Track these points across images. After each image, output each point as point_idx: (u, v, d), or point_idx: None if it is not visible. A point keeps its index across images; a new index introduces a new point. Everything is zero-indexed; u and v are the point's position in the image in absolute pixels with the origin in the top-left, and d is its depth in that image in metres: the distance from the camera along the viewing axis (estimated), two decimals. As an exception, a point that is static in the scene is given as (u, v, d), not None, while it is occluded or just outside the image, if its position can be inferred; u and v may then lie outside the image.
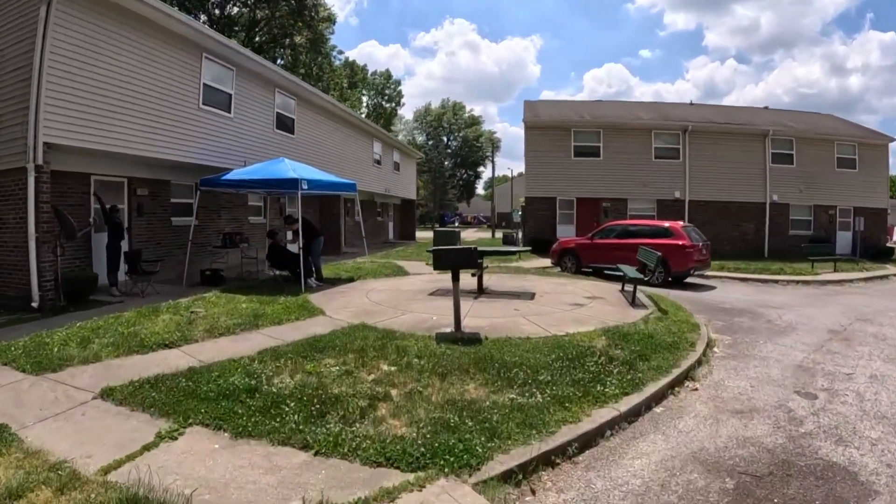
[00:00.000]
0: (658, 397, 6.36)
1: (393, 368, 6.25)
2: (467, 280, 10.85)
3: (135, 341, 7.34)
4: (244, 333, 7.96)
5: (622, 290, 12.52)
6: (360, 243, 17.34)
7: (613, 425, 5.45)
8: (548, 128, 26.93)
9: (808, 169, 26.95)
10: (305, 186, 11.33)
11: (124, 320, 8.57)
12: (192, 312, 8.99)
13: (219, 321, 8.47)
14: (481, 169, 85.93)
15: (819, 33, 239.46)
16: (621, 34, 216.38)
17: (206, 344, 7.43)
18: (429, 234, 41.87)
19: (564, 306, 10.36)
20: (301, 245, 11.80)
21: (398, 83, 75.15)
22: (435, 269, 7.88)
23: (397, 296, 11.19)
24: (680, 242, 16.16)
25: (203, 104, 13.54)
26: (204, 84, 13.55)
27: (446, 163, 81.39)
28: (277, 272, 12.58)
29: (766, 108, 34.98)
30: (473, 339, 7.43)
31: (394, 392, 5.57)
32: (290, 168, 11.92)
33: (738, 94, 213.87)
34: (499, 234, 44.63)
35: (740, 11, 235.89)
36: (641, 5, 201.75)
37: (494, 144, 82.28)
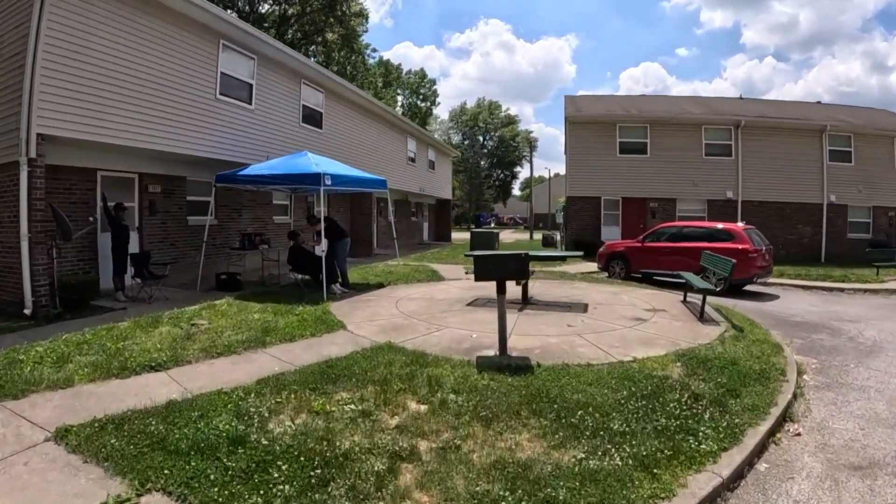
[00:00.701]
0: (759, 449, 4.88)
1: (423, 408, 4.89)
2: (511, 288, 9.45)
3: (117, 361, 6.16)
4: (248, 353, 6.70)
5: (684, 301, 10.96)
6: (393, 245, 16.09)
7: (715, 498, 4.01)
8: (591, 123, 25.28)
9: (866, 167, 24.67)
10: (329, 182, 10.09)
11: (116, 333, 7.44)
12: (192, 325, 7.80)
13: (221, 337, 7.25)
14: (518, 169, 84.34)
15: (859, 30, 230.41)
16: (657, 32, 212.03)
17: (200, 367, 6.19)
18: (465, 236, 40.47)
19: (624, 321, 8.87)
20: (324, 248, 10.55)
21: (433, 82, 74.09)
22: (477, 279, 6.46)
23: (431, 306, 9.86)
24: (741, 247, 14.41)
25: (220, 94, 12.44)
26: (221, 73, 12.44)
27: (482, 163, 79.93)
28: (299, 276, 11.38)
29: (818, 102, 32.59)
30: (523, 367, 6.03)
31: (423, 446, 4.20)
32: (312, 162, 10.70)
33: (776, 93, 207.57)
34: (537, 236, 43.00)
35: (778, 8, 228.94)
36: (677, 3, 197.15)
37: (531, 144, 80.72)
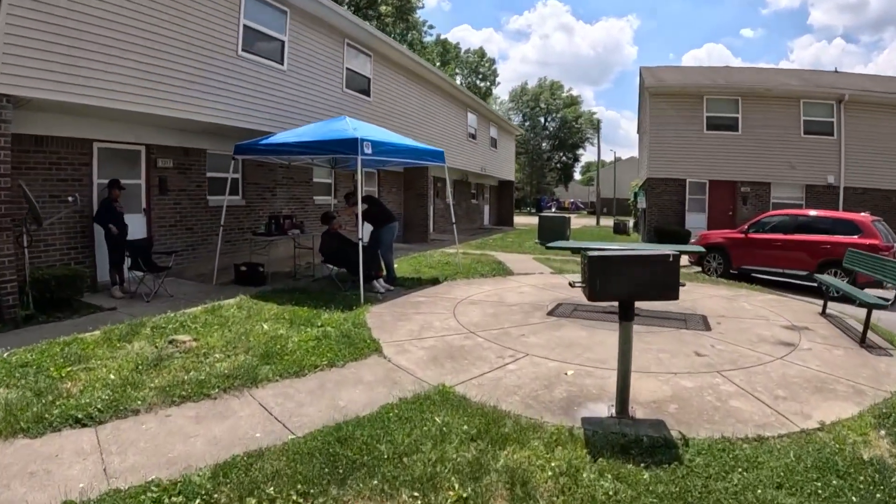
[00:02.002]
0: None
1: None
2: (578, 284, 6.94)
3: (39, 405, 4.04)
4: (227, 397, 4.41)
5: (824, 314, 8.13)
6: (451, 229, 13.66)
7: None
8: (676, 95, 22.00)
9: None
10: (370, 150, 7.72)
11: (71, 352, 5.36)
12: (170, 342, 5.60)
13: (202, 364, 5.02)
14: (580, 151, 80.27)
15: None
16: (721, 12, 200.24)
17: (148, 423, 3.94)
18: (527, 220, 37.74)
19: (766, 346, 6.19)
20: (362, 235, 8.21)
21: (492, 62, 70.91)
22: (595, 298, 3.80)
23: (500, 315, 7.40)
24: (869, 242, 11.28)
25: (243, 50, 10.20)
26: (244, 25, 10.20)
27: (543, 145, 76.42)
28: (334, 269, 9.11)
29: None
30: (660, 444, 3.55)
31: None
32: (350, 126, 8.35)
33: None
34: (605, 222, 39.77)
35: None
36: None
37: (595, 125, 76.56)
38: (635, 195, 18.74)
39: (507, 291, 9.13)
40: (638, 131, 30.90)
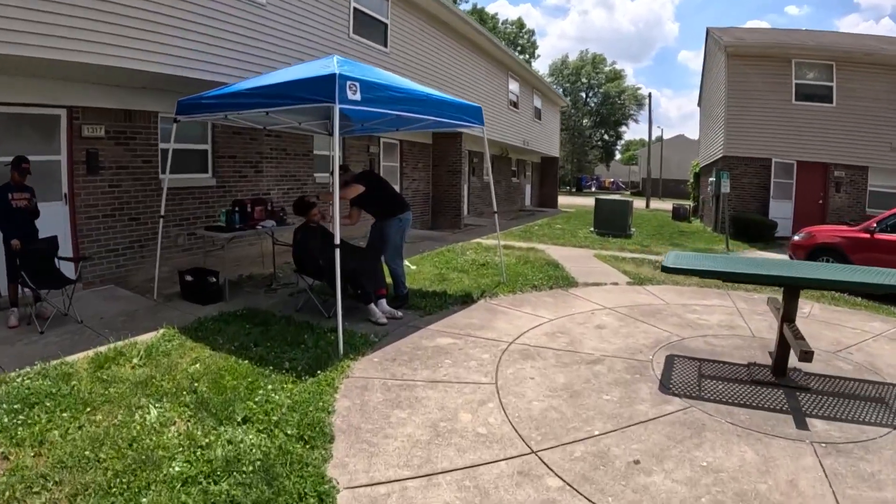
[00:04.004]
0: None
1: None
2: (722, 320, 3.75)
3: None
4: None
5: None
6: (487, 212, 10.40)
7: None
8: (759, 57, 18.05)
9: None
10: (357, 96, 4.45)
11: None
12: None
13: None
14: (623, 129, 75.45)
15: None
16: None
17: None
18: (570, 201, 33.96)
19: None
20: (339, 234, 5.02)
21: (532, 33, 66.48)
22: None
23: (577, 391, 4.19)
24: None
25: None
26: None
27: (584, 121, 71.81)
28: (312, 283, 5.99)
29: None
30: None
31: None
32: (334, 64, 5.05)
33: None
34: (657, 205, 35.77)
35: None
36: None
37: (639, 101, 71.55)
38: (719, 177, 15.16)
39: (579, 325, 5.86)
40: (699, 104, 26.81)
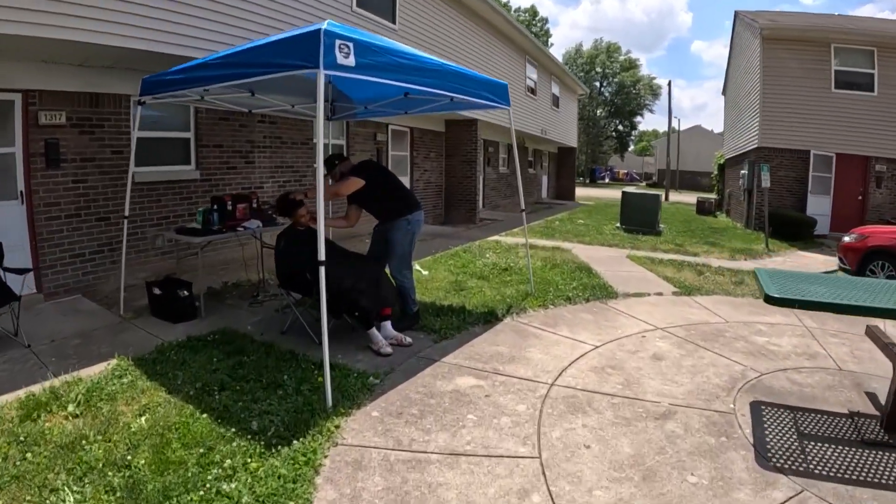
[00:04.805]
0: None
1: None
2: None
3: None
4: None
5: None
6: (504, 205, 9.21)
7: None
8: (796, 41, 16.54)
9: None
10: (349, 59, 3.24)
11: None
12: None
13: None
14: (638, 119, 73.59)
15: None
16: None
17: None
18: (586, 193, 32.56)
19: None
20: (323, 247, 3.87)
21: (545, 21, 64.72)
22: None
23: (650, 468, 3.04)
24: None
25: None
26: None
27: (599, 111, 69.99)
28: (298, 298, 4.87)
29: None
30: None
31: None
32: (317, 27, 3.79)
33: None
34: (675, 197, 34.28)
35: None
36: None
37: (654, 91, 69.85)
38: (751, 168, 13.91)
39: (631, 354, 4.67)
40: (723, 93, 25.28)
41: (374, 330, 4.43)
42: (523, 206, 6.49)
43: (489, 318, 5.37)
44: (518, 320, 5.43)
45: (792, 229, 14.27)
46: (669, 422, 3.47)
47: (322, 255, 3.28)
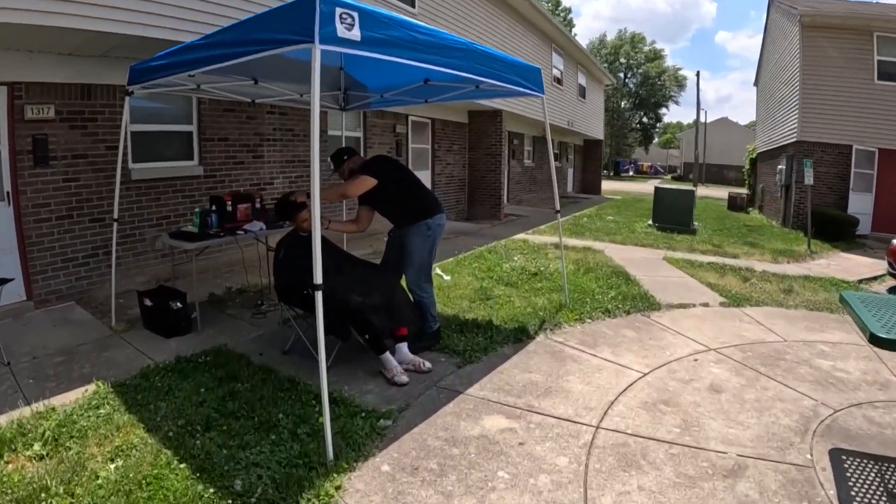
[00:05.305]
0: None
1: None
2: None
3: None
4: None
5: None
6: (528, 200, 8.51)
7: None
8: (838, 29, 15.46)
9: None
10: (354, 33, 2.61)
11: None
12: None
13: None
14: (663, 111, 71.92)
15: None
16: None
17: None
18: (611, 187, 31.48)
19: None
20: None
21: (568, 10, 63.36)
22: None
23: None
24: None
25: None
26: None
27: (623, 103, 68.45)
28: (298, 312, 4.26)
29: None
30: None
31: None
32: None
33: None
34: (702, 192, 33.05)
35: None
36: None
37: (680, 82, 68.28)
38: (790, 163, 13.02)
39: (684, 384, 3.97)
40: (755, 83, 24.10)
41: (387, 355, 3.79)
42: (558, 207, 5.78)
43: (520, 336, 4.71)
44: (552, 338, 4.76)
45: (833, 229, 13.32)
46: (741, 481, 2.79)
47: (318, 278, 2.64)
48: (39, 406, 3.42)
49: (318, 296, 2.67)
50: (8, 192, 5.31)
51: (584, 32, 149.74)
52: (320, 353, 2.77)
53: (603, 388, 3.80)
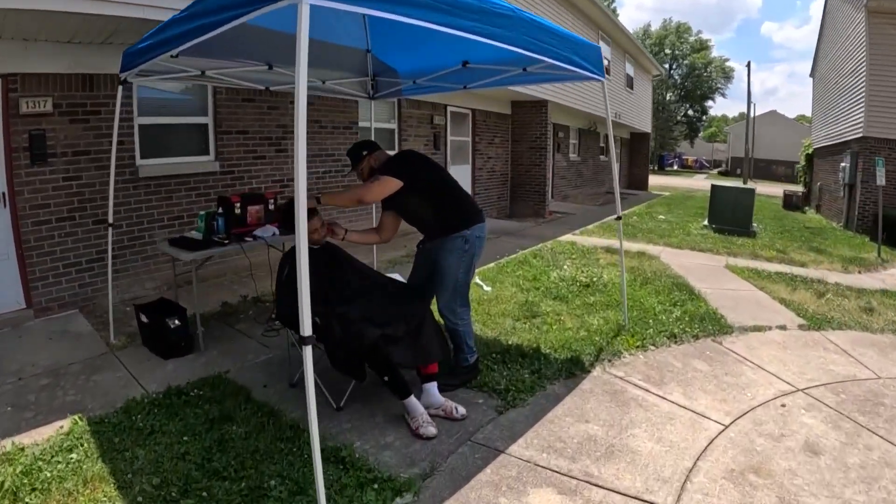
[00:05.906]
0: None
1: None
2: None
3: None
4: None
5: None
6: (574, 195, 7.64)
7: None
8: (912, 13, 14.05)
9: None
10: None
11: None
12: None
13: None
14: (709, 104, 69.25)
15: None
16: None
17: None
18: (658, 181, 30.02)
19: None
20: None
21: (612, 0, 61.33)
22: None
23: None
24: None
25: None
26: None
27: (668, 95, 66.06)
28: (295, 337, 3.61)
29: None
30: None
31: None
32: None
33: None
34: (756, 188, 31.26)
35: None
36: None
37: (727, 74, 65.73)
38: (855, 161, 11.78)
39: (775, 442, 3.10)
40: (811, 75, 22.43)
41: (412, 399, 3.05)
42: (619, 213, 4.90)
43: (573, 370, 3.89)
44: (612, 372, 3.94)
45: (900, 228, 12.01)
46: None
47: (307, 329, 1.90)
48: (8, 444, 2.92)
49: (307, 352, 1.93)
50: (3, 193, 4.79)
51: (628, 23, 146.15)
52: (312, 431, 2.04)
53: (677, 448, 2.99)
